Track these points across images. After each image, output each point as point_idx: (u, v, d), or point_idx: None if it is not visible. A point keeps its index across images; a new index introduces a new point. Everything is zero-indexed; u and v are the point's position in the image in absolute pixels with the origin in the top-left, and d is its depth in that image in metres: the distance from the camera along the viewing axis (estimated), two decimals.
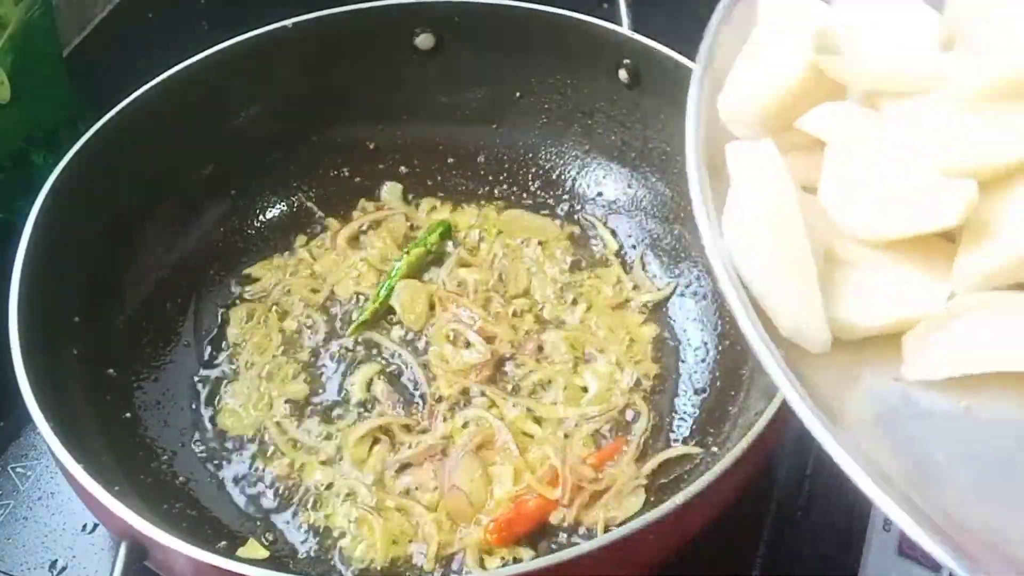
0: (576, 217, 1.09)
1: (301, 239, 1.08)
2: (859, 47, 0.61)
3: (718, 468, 0.71)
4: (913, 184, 0.55)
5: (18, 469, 0.93)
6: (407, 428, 0.92)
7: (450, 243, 1.07)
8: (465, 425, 0.91)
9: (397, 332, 0.99)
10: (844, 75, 0.60)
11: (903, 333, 0.55)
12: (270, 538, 0.86)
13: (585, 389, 0.94)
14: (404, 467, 0.89)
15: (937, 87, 0.58)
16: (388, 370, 0.96)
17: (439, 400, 0.93)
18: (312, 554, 0.85)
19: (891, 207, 0.55)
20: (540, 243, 1.06)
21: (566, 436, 0.91)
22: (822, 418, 0.48)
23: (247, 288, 1.04)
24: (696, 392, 0.95)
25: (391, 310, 1.00)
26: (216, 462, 0.91)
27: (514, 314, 0.99)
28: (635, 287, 1.03)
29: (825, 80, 0.60)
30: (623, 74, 1.03)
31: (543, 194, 1.11)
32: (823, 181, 0.57)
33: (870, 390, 0.55)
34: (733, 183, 0.57)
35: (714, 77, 0.62)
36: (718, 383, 0.94)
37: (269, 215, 1.09)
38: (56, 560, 0.87)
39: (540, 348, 0.97)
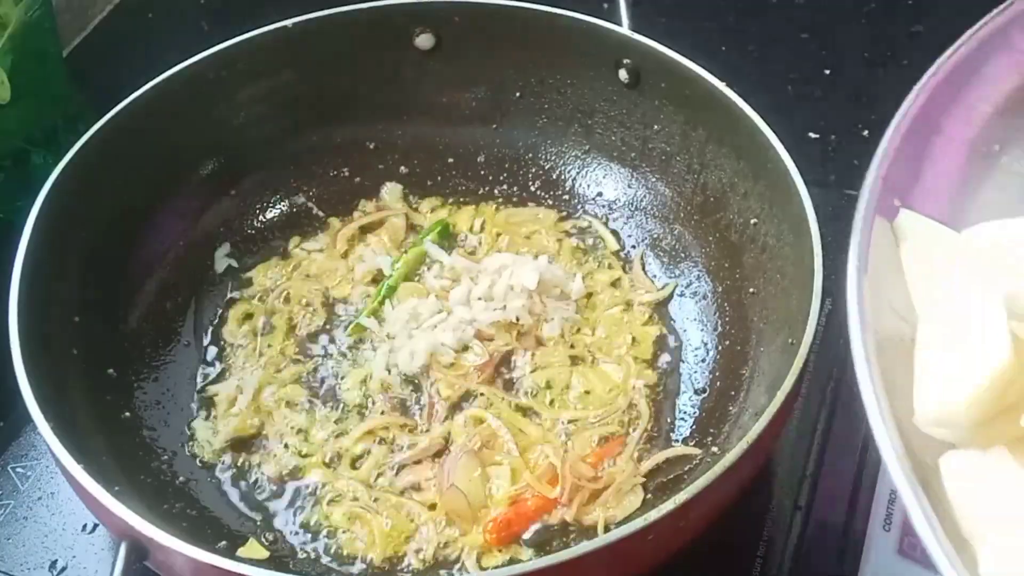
0: (576, 217, 1.09)
1: (301, 239, 1.08)
2: None
3: (718, 468, 0.71)
4: None
5: (18, 469, 0.93)
6: (406, 429, 0.92)
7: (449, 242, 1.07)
8: (464, 425, 0.91)
9: None
10: None
11: None
12: (270, 538, 0.86)
13: (588, 391, 0.94)
14: (403, 467, 0.89)
15: None
16: (388, 371, 0.96)
17: (439, 401, 0.93)
18: (312, 554, 0.85)
19: None
20: (531, 235, 1.07)
21: (566, 436, 0.91)
22: None
23: (247, 288, 1.04)
24: (696, 392, 0.95)
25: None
26: (215, 462, 0.91)
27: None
28: (635, 287, 1.03)
29: None
30: (623, 74, 1.03)
31: (543, 194, 1.11)
32: None
33: None
34: (967, 516, 0.44)
35: (877, 348, 0.48)
36: (718, 383, 0.94)
37: (269, 215, 1.09)
38: (56, 560, 0.87)
39: (540, 345, 0.97)
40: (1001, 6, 0.58)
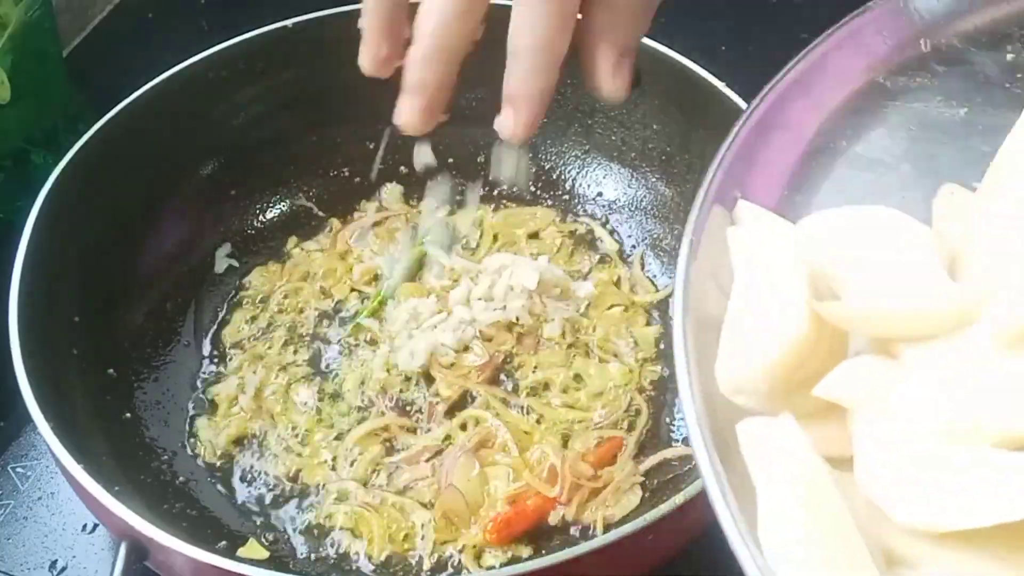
0: (576, 217, 1.09)
1: (300, 239, 1.08)
2: (858, 285, 0.52)
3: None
4: (967, 459, 0.44)
5: (18, 469, 0.93)
6: (406, 429, 0.92)
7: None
8: (463, 425, 0.92)
9: None
10: (851, 323, 0.51)
11: None
12: (270, 538, 0.86)
13: (588, 391, 0.94)
14: (403, 467, 0.89)
15: (960, 325, 0.49)
16: (387, 371, 0.96)
17: (439, 401, 0.93)
18: (312, 554, 0.85)
19: (945, 491, 0.44)
20: (534, 234, 1.07)
21: (566, 435, 0.91)
22: None
23: (247, 288, 1.04)
24: None
25: None
26: (216, 463, 0.91)
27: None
28: (635, 287, 1.03)
29: (827, 329, 0.51)
30: None
31: (543, 194, 1.11)
32: (857, 462, 0.47)
33: None
34: (757, 478, 0.47)
35: (697, 326, 0.52)
36: None
37: (269, 215, 1.09)
38: (56, 560, 0.87)
39: (540, 345, 0.97)
40: (860, 8, 0.60)
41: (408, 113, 0.68)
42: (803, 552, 0.43)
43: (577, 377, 0.95)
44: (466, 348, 0.96)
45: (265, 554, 0.84)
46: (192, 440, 0.92)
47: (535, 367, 0.96)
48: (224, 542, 0.83)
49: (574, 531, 0.85)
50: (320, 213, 1.10)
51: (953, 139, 0.59)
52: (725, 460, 0.46)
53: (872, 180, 0.59)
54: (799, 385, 0.50)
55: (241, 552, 0.83)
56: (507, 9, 1.04)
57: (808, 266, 0.52)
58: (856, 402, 0.49)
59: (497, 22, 1.05)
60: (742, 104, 0.92)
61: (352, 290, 1.03)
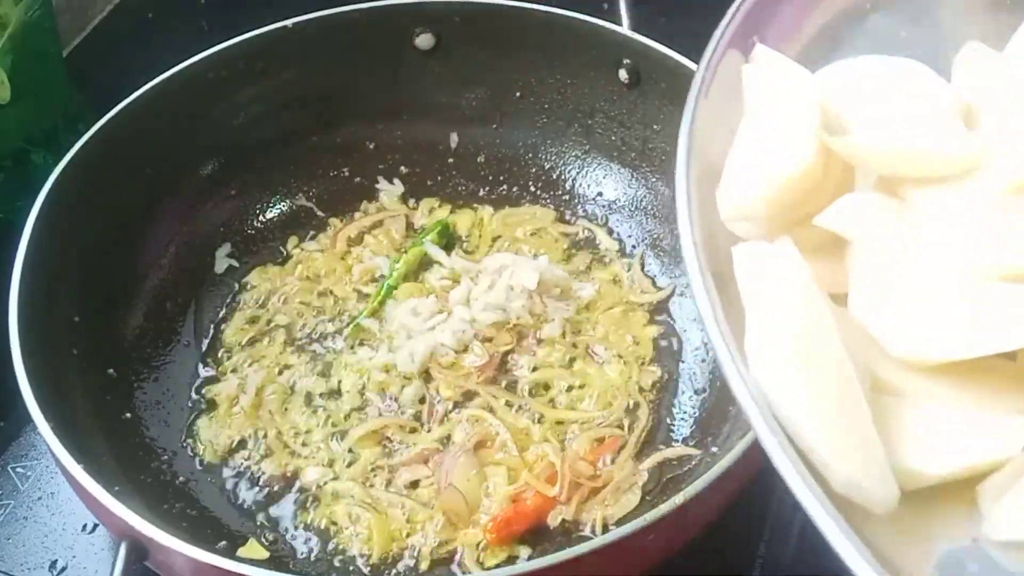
0: (576, 217, 1.09)
1: (300, 239, 1.08)
2: (871, 125, 0.52)
3: (718, 468, 0.71)
4: (965, 293, 0.45)
5: (18, 469, 0.93)
6: (406, 429, 0.92)
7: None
8: (463, 426, 0.91)
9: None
10: (860, 158, 0.51)
11: (976, 480, 0.45)
12: (270, 538, 0.86)
13: (588, 391, 0.94)
14: (402, 467, 0.89)
15: (969, 171, 0.49)
16: (387, 371, 0.96)
17: (439, 401, 0.93)
18: (312, 554, 0.85)
19: (941, 323, 0.45)
20: (530, 235, 1.07)
21: (566, 435, 0.91)
22: None
23: (247, 288, 1.04)
24: (696, 392, 0.95)
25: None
26: (216, 463, 0.91)
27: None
28: (635, 287, 1.03)
29: (835, 166, 0.51)
30: (623, 74, 1.03)
31: (543, 194, 1.11)
32: (853, 292, 0.48)
33: (943, 554, 0.44)
34: (749, 299, 0.47)
35: (701, 161, 0.52)
36: (718, 383, 0.94)
37: (269, 215, 1.09)
38: (56, 560, 0.87)
39: (540, 345, 0.97)
40: None
41: None
42: (791, 372, 0.44)
43: (577, 377, 0.95)
44: (466, 348, 0.96)
45: (265, 554, 0.84)
46: (192, 440, 0.92)
47: (535, 367, 0.96)
48: (224, 542, 0.83)
49: (574, 531, 0.85)
50: (320, 213, 1.10)
51: (982, 9, 0.59)
52: (721, 291, 0.46)
53: (892, 41, 0.58)
54: (800, 222, 0.50)
55: (241, 552, 0.83)
56: (507, 9, 1.05)
57: (822, 105, 0.52)
58: (857, 235, 0.49)
59: (498, 22, 1.06)
60: None
61: (352, 290, 1.03)
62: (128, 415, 0.91)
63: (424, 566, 0.84)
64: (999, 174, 0.48)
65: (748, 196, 0.50)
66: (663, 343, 0.99)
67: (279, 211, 1.10)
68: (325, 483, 0.89)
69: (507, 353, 0.96)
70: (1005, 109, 0.51)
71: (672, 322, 1.00)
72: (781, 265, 0.47)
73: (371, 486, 0.88)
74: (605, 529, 0.84)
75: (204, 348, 0.99)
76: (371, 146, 1.12)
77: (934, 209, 0.49)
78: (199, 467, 0.90)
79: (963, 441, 0.45)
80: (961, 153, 0.49)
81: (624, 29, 1.00)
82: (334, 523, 0.86)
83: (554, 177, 1.11)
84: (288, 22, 1.03)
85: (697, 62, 0.95)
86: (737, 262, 0.48)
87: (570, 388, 0.95)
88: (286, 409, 0.94)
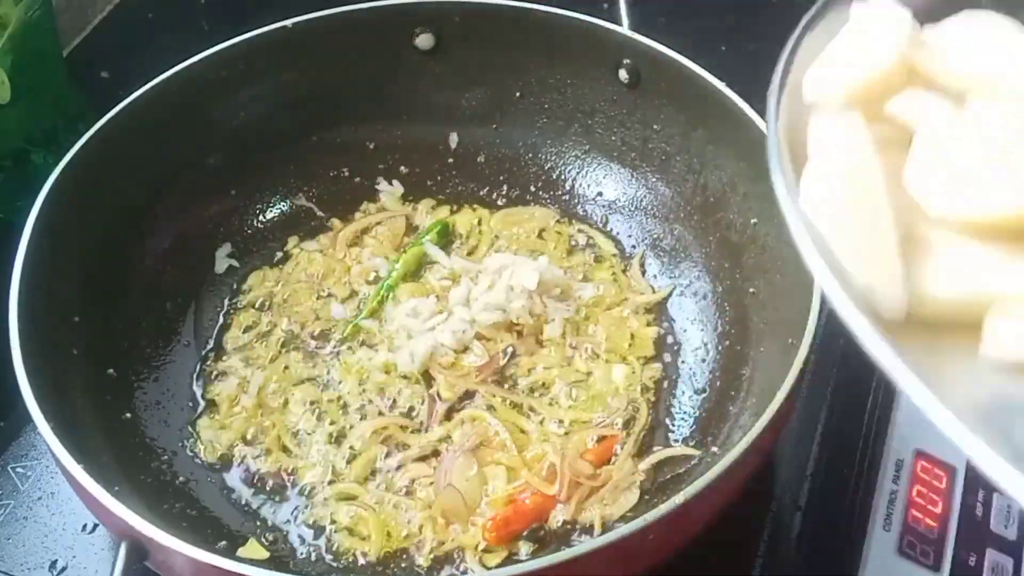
0: (576, 217, 1.09)
1: (300, 239, 1.08)
2: (952, 51, 0.61)
3: (718, 468, 0.71)
4: (1007, 170, 0.53)
5: (18, 469, 0.93)
6: (406, 429, 0.92)
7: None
8: (463, 425, 0.91)
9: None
10: (937, 72, 0.60)
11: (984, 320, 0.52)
12: (270, 538, 0.86)
13: (588, 391, 0.94)
14: (402, 467, 0.89)
15: None
16: (387, 372, 0.96)
17: (439, 401, 0.93)
18: (312, 554, 0.85)
19: (979, 189, 0.53)
20: (531, 235, 1.07)
21: (566, 434, 0.91)
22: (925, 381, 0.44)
23: (247, 288, 1.04)
24: (696, 392, 0.95)
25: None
26: (216, 463, 0.91)
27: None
28: (634, 288, 1.03)
29: (915, 80, 0.59)
30: (623, 74, 1.03)
31: (543, 194, 1.11)
32: (910, 162, 0.56)
33: (954, 382, 0.50)
34: (814, 148, 0.56)
35: (793, 81, 0.61)
36: (718, 383, 0.94)
37: (269, 215, 1.09)
38: (56, 560, 0.87)
39: (540, 345, 0.97)
40: None
41: None
42: (834, 200, 0.53)
43: (577, 377, 0.95)
44: (466, 348, 0.96)
45: (265, 554, 0.84)
46: (192, 440, 0.92)
47: (535, 367, 0.96)
48: (224, 542, 0.83)
49: (573, 531, 0.85)
50: (320, 213, 1.10)
51: None
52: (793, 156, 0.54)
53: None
54: (871, 119, 0.58)
55: (241, 552, 0.83)
56: (507, 9, 1.05)
57: (913, 34, 0.60)
58: (918, 121, 0.58)
59: (497, 22, 1.06)
60: (742, 104, 0.92)
61: (352, 290, 1.03)
62: (128, 415, 0.91)
63: (424, 566, 0.84)
64: None
65: (831, 82, 0.59)
66: (663, 343, 0.99)
67: (279, 211, 1.10)
68: (325, 483, 0.89)
69: (507, 353, 0.96)
70: None
71: (672, 322, 1.00)
72: (847, 124, 0.56)
73: (371, 486, 0.88)
74: (604, 528, 0.84)
75: (204, 348, 0.99)
76: (371, 146, 1.12)
77: (996, 117, 0.56)
78: (199, 467, 0.90)
79: (975, 276, 0.53)
80: None
81: (624, 29, 1.00)
82: (334, 523, 0.86)
83: (554, 177, 1.11)
84: (288, 22, 1.03)
85: (697, 62, 0.96)
86: (811, 124, 0.57)
87: (570, 388, 0.95)
88: (286, 409, 0.94)
